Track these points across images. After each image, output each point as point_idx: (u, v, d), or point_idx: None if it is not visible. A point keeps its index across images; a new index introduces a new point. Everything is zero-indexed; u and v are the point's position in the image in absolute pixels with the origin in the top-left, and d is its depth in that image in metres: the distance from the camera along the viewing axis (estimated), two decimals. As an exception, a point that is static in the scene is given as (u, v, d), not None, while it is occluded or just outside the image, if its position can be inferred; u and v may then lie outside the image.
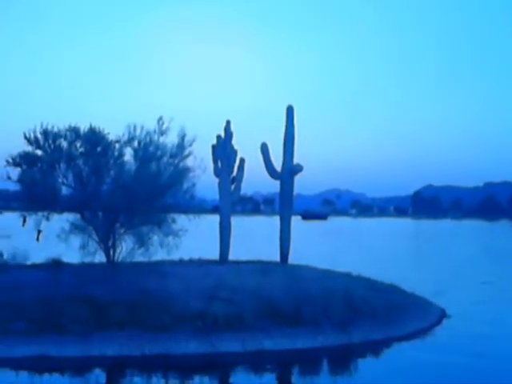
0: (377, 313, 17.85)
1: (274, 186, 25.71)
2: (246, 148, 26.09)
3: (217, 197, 24.98)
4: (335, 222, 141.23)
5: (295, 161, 24.43)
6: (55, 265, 20.63)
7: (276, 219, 26.30)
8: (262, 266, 22.38)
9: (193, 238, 21.24)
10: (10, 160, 18.64)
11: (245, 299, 17.02)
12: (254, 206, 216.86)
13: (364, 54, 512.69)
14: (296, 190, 25.11)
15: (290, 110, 24.58)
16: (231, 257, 24.44)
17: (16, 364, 14.11)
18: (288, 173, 24.30)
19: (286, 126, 24.50)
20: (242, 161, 24.83)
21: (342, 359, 16.08)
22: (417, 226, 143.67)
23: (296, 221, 31.86)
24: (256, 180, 25.71)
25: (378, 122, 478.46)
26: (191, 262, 23.80)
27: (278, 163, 24.78)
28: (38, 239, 19.49)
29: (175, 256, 21.08)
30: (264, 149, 24.74)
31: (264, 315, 16.55)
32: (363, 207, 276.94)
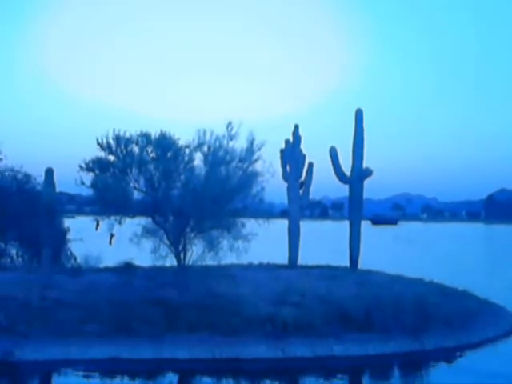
0: (449, 319, 17.47)
1: (342, 191, 25.61)
2: (314, 152, 26.03)
3: (285, 201, 25.02)
4: (405, 227, 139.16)
5: (365, 165, 24.24)
6: (127, 268, 21.02)
7: (345, 224, 26.15)
8: (331, 271, 22.29)
9: (262, 243, 21.26)
10: (84, 165, 19.05)
11: (314, 304, 16.95)
12: (322, 210, 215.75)
13: (437, 52, 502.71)
14: (365, 194, 24.91)
15: (359, 113, 24.42)
16: (300, 261, 24.40)
17: (88, 366, 14.39)
18: (357, 177, 24.12)
19: (355, 130, 24.34)
20: (311, 165, 24.79)
21: (414, 366, 15.79)
22: (489, 231, 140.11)
23: (366, 226, 31.52)
24: (324, 184, 25.60)
25: (450, 124, 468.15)
26: (260, 266, 23.88)
27: (346, 167, 24.64)
28: (110, 243, 19.88)
29: (244, 260, 21.16)
30: (333, 153, 24.64)
31: (334, 320, 16.43)
32: (434, 212, 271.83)
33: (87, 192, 19.90)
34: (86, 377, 14.20)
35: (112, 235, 19.47)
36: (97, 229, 19.38)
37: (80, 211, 45.66)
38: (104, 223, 19.29)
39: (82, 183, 19.07)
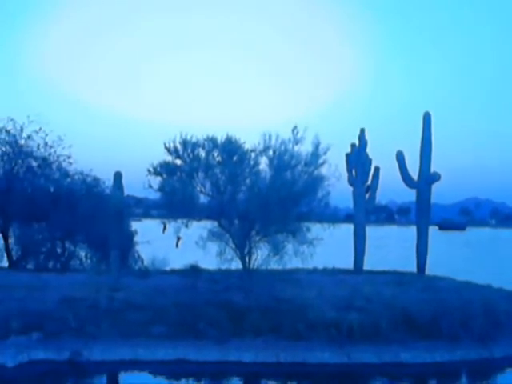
0: (520, 327, 17.01)
1: (409, 195, 25.27)
2: (379, 156, 25.78)
3: (350, 205, 24.87)
4: (474, 233, 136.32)
5: (432, 169, 23.88)
6: (193, 271, 21.24)
7: (410, 229, 25.79)
8: (397, 277, 22.01)
9: (327, 247, 21.16)
10: (151, 169, 19.34)
11: (380, 310, 16.72)
12: (387, 215, 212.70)
13: (505, 52, 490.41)
14: (433, 198, 24.53)
15: (426, 117, 24.09)
16: (366, 267, 24.20)
17: (155, 367, 14.58)
18: (425, 181, 23.80)
19: (423, 133, 24.02)
20: (377, 169, 24.56)
21: (482, 374, 15.45)
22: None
23: (433, 231, 31.00)
24: (390, 188, 25.31)
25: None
26: (325, 270, 23.77)
27: (413, 171, 24.33)
28: (177, 246, 20.12)
29: (309, 264, 21.09)
30: (399, 157, 24.36)
31: (400, 326, 16.19)
32: (503, 217, 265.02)
33: (154, 195, 20.21)
34: (153, 378, 14.41)
35: (179, 238, 19.70)
36: (164, 232, 19.65)
37: (146, 214, 46.35)
38: (171, 226, 19.53)
39: (150, 187, 19.38)
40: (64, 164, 28.29)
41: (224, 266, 19.90)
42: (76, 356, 14.31)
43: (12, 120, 27.78)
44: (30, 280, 19.74)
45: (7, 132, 27.83)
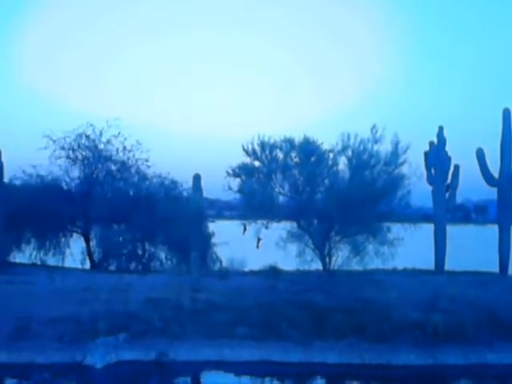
0: None
1: (485, 193, 24.69)
2: (457, 154, 25.24)
3: (428, 204, 24.42)
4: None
5: (512, 166, 23.26)
6: (272, 272, 21.26)
7: (489, 228, 25.16)
8: (480, 277, 21.49)
9: (406, 247, 20.86)
10: (230, 171, 19.50)
11: (465, 310, 16.39)
12: (464, 214, 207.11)
13: None
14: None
15: (506, 113, 23.45)
16: (447, 267, 23.74)
17: (240, 367, 14.65)
18: (507, 179, 23.17)
19: (503, 130, 23.40)
20: (457, 167, 24.06)
21: None
22: None
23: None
24: (464, 186, 24.75)
25: None
26: (405, 271, 23.41)
27: (494, 169, 23.76)
28: (257, 247, 20.20)
29: (389, 265, 20.85)
30: (480, 154, 23.81)
31: (485, 327, 15.84)
32: None
33: (226, 197, 20.39)
34: (238, 378, 14.49)
35: (259, 239, 19.79)
36: (244, 233, 19.77)
37: (219, 216, 46.82)
38: (250, 227, 19.63)
39: (230, 188, 19.54)
40: (142, 167, 28.85)
41: (304, 267, 19.86)
42: (162, 356, 14.50)
43: (92, 125, 28.46)
44: (114, 281, 20.09)
45: (87, 137, 28.53)
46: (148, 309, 16.30)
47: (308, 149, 19.44)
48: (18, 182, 28.10)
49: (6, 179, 25.41)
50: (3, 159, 24.37)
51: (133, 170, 28.89)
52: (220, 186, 19.94)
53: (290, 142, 19.62)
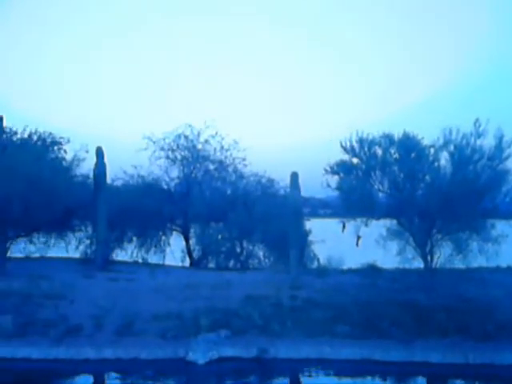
0: None
1: None
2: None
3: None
4: None
5: None
6: (371, 270, 21.02)
7: None
8: None
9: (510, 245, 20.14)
10: (329, 168, 19.37)
11: None
12: None
13: None
14: None
15: None
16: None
17: (340, 366, 14.50)
18: None
19: None
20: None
21: None
22: None
23: None
24: None
25: None
26: (508, 269, 22.67)
27: None
28: (357, 245, 19.99)
29: (494, 263, 20.20)
30: None
31: None
32: None
33: (320, 195, 20.26)
34: (338, 377, 14.37)
35: (359, 237, 19.58)
36: (343, 231, 19.60)
37: (314, 214, 46.68)
38: (349, 225, 19.45)
39: (328, 186, 19.42)
40: (239, 166, 29.21)
41: (404, 265, 19.50)
42: (263, 353, 14.52)
43: (190, 126, 29.03)
44: (214, 279, 20.41)
45: (186, 138, 29.10)
46: (248, 306, 16.42)
47: (408, 144, 19.05)
48: (119, 183, 28.96)
49: (108, 180, 26.15)
50: (106, 160, 25.09)
51: (230, 169, 29.30)
52: (314, 183, 19.89)
53: (388, 137, 19.28)
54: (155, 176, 29.17)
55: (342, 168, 19.29)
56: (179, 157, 29.16)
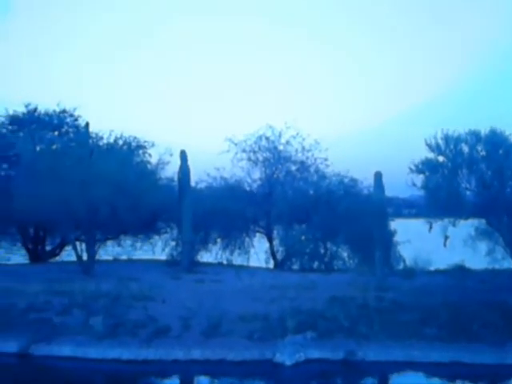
0: None
1: None
2: None
3: None
4: None
5: None
6: (459, 270, 20.53)
7: None
8: None
9: None
10: (413, 167, 19.02)
11: None
12: None
13: None
14: None
15: None
16: None
17: (429, 369, 14.22)
18: None
19: None
20: None
21: None
22: None
23: None
24: None
25: None
26: None
27: None
28: (444, 245, 19.55)
29: None
30: None
31: None
32: None
33: (403, 194, 19.91)
34: (427, 379, 14.11)
35: (446, 237, 19.13)
36: (430, 231, 19.21)
37: (398, 214, 46.01)
38: (436, 225, 19.05)
39: (414, 185, 19.08)
40: (321, 166, 29.04)
41: (494, 266, 18.98)
42: (351, 356, 14.40)
43: (271, 127, 29.10)
44: (298, 280, 20.37)
45: (267, 139, 29.18)
46: (334, 308, 16.32)
47: (495, 141, 18.53)
48: (203, 185, 29.31)
49: (192, 183, 26.51)
50: (189, 163, 25.46)
51: (312, 170, 29.16)
52: (398, 183, 19.57)
53: (475, 134, 18.80)
54: (238, 178, 29.37)
55: (427, 166, 18.89)
56: (261, 158, 29.25)
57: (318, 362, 14.45)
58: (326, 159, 28.91)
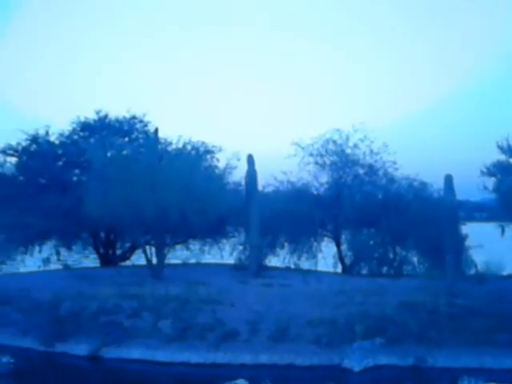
0: None
1: None
2: None
3: None
4: None
5: None
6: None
7: None
8: None
9: None
10: (485, 170, 18.60)
11: None
12: None
13: None
14: None
15: None
16: None
17: (501, 376, 13.87)
18: None
19: None
20: None
21: None
22: None
23: None
24: None
25: None
26: None
27: None
28: None
29: None
30: None
31: None
32: None
33: (475, 197, 19.47)
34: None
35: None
36: (502, 235, 18.73)
37: (470, 218, 45.00)
38: (509, 229, 18.58)
39: (485, 188, 18.66)
40: (390, 170, 28.66)
41: None
42: (420, 362, 14.15)
43: (338, 130, 28.92)
44: (367, 285, 20.16)
45: (334, 142, 29.01)
46: (403, 313, 16.06)
47: None
48: (270, 189, 29.34)
49: (259, 187, 26.57)
50: (256, 167, 25.54)
51: (380, 173, 28.81)
52: (469, 186, 19.17)
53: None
54: (305, 182, 29.26)
55: (498, 169, 18.44)
56: (328, 162, 29.08)
57: (387, 368, 14.25)
58: (394, 162, 28.53)
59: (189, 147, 28.52)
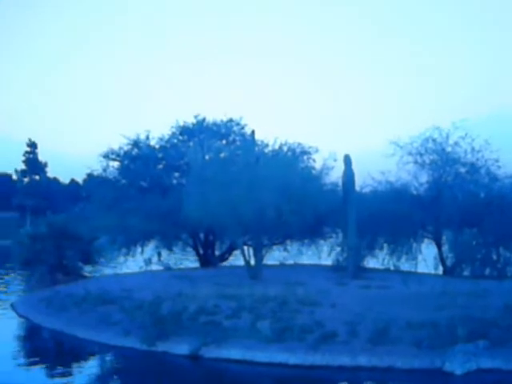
0: None
1: None
2: None
3: None
4: None
5: None
6: None
7: None
8: None
9: None
10: None
11: None
12: None
13: None
14: None
15: None
16: None
17: None
18: None
19: None
20: None
21: None
22: None
23: None
24: None
25: None
26: None
27: None
28: None
29: None
30: None
31: None
32: None
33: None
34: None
35: None
36: None
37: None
38: None
39: None
40: (492, 168, 27.76)
41: None
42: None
43: (437, 128, 28.26)
44: (468, 287, 19.60)
45: (434, 141, 28.38)
46: (508, 316, 15.50)
47: None
48: (368, 190, 29.02)
49: (356, 187, 26.32)
50: (353, 168, 25.32)
51: (482, 171, 27.95)
52: None
53: None
54: (404, 181, 28.80)
55: None
56: (428, 161, 28.49)
57: (491, 371, 13.76)
58: (497, 160, 27.59)
59: (285, 148, 28.63)
